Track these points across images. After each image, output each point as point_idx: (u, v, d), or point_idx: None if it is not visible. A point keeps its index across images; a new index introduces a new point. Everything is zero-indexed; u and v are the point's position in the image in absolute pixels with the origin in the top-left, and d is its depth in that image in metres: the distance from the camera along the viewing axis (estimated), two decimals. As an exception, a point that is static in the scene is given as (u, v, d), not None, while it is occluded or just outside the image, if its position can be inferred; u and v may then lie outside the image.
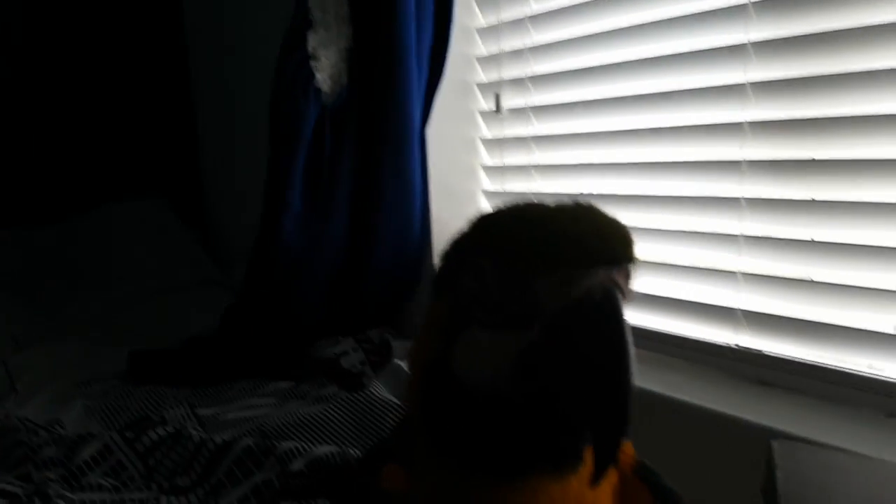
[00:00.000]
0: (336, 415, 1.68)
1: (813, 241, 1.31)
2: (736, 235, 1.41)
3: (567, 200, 0.58)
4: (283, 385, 1.95)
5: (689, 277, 1.50)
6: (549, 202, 0.58)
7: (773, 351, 1.38)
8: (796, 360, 1.34)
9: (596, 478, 0.54)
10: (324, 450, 1.46)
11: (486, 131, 2.10)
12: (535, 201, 0.59)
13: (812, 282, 1.32)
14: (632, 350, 0.51)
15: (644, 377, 1.44)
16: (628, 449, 0.67)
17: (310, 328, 2.14)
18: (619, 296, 0.53)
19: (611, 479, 0.64)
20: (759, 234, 1.38)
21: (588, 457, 0.59)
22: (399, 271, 2.12)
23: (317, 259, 2.07)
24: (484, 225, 0.60)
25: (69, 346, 2.35)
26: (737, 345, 1.42)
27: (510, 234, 0.56)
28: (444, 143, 2.08)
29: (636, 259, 0.56)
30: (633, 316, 1.54)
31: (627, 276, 0.56)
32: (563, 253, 0.53)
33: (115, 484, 1.45)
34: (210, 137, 3.44)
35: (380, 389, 1.79)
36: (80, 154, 3.26)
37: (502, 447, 0.57)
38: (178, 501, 1.33)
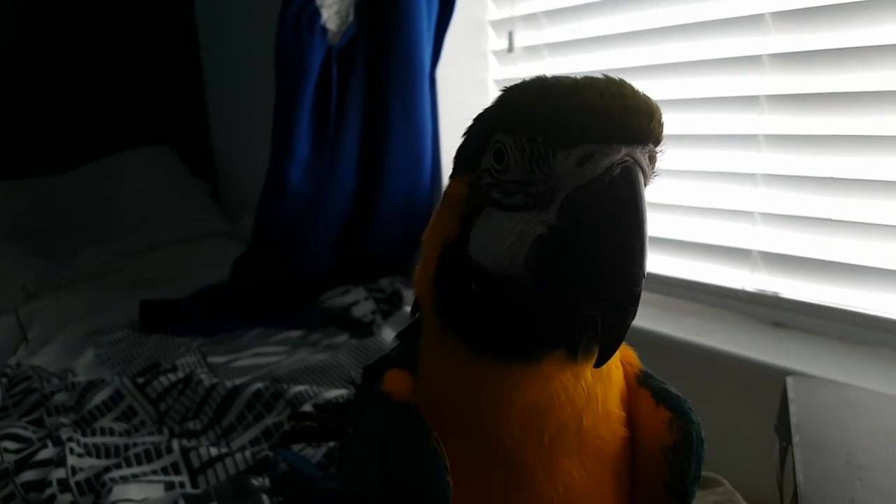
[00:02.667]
0: (345, 360, 1.68)
1: (833, 178, 1.27)
2: (753, 174, 1.37)
3: (598, 75, 0.54)
4: (293, 334, 1.96)
5: (705, 218, 1.47)
6: (579, 77, 0.55)
7: (789, 293, 1.35)
8: (813, 301, 1.31)
9: (601, 359, 0.53)
10: (333, 393, 1.46)
11: (499, 71, 2.04)
12: (564, 75, 0.55)
13: (830, 220, 1.28)
14: (647, 231, 0.50)
15: (659, 321, 1.44)
16: (633, 360, 0.66)
17: (319, 277, 2.13)
18: (640, 175, 0.51)
19: (619, 383, 0.63)
20: (778, 172, 1.34)
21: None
22: (409, 218, 2.10)
23: (325, 206, 2.06)
24: (507, 99, 0.57)
25: (80, 296, 2.37)
26: (752, 287, 1.39)
27: (532, 108, 0.53)
28: (454, 85, 2.04)
29: (662, 139, 0.53)
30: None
31: (652, 158, 0.53)
32: (584, 127, 0.50)
33: (127, 428, 1.47)
34: (217, 84, 3.41)
35: (389, 336, 1.79)
36: (87, 103, 3.25)
37: (515, 329, 0.55)
38: (190, 444, 1.34)
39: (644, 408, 0.64)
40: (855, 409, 0.95)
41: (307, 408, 1.40)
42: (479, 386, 0.57)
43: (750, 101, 1.36)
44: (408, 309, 1.87)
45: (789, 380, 1.01)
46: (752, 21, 1.34)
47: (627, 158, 0.50)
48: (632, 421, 0.63)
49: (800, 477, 0.80)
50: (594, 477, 0.60)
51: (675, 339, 1.36)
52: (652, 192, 0.53)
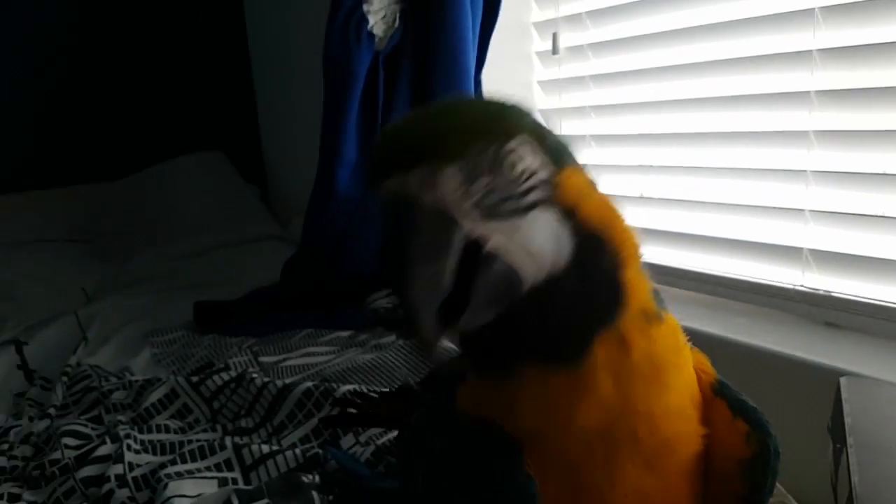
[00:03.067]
0: (393, 360, 1.70)
1: (886, 174, 1.24)
2: (804, 170, 1.34)
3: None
4: (342, 334, 1.98)
5: (755, 216, 1.45)
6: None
7: (842, 291, 1.32)
8: (866, 300, 1.28)
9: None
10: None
11: (543, 73, 2.04)
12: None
13: (885, 217, 1.25)
14: (413, 251, 0.51)
15: (709, 320, 1.42)
16: (708, 368, 0.65)
17: (367, 279, 2.15)
18: (407, 203, 0.52)
19: (688, 386, 0.61)
20: (829, 168, 1.31)
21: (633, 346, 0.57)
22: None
23: (372, 209, 2.07)
24: None
25: (137, 298, 2.43)
26: (803, 286, 1.37)
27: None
28: (500, 88, 2.04)
29: (448, 150, 0.52)
30: (690, 259, 1.52)
31: (462, 174, 0.52)
32: (366, 171, 0.56)
33: (182, 426, 1.50)
34: (267, 90, 3.47)
35: (436, 336, 1.79)
36: (143, 111, 3.34)
37: (483, 345, 0.57)
38: (242, 441, 1.37)
39: (720, 419, 0.63)
40: (911, 410, 0.93)
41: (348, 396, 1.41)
42: (502, 405, 0.58)
43: (800, 96, 1.34)
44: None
45: (843, 380, 0.99)
46: (802, 16, 1.32)
47: (391, 191, 0.53)
48: (709, 432, 0.63)
49: (855, 479, 0.79)
50: (668, 480, 0.60)
51: (726, 339, 1.34)
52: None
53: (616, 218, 0.59)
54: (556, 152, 0.58)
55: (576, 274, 0.54)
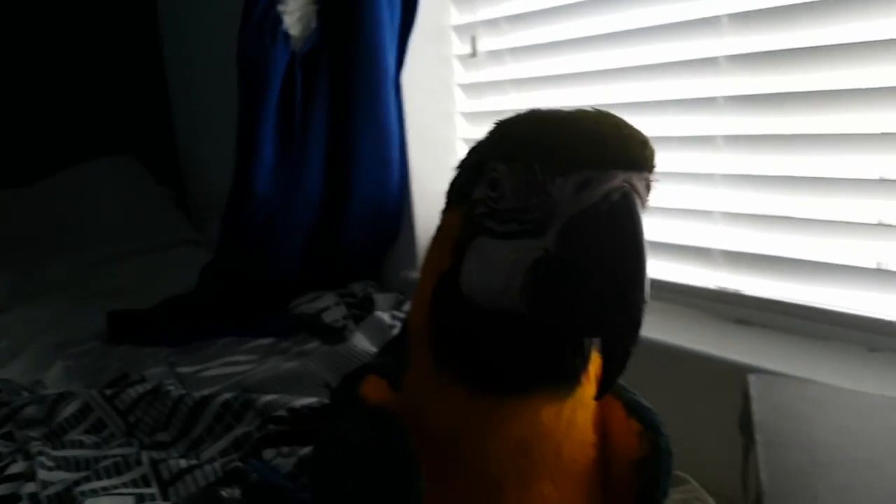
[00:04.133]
0: (316, 367, 1.67)
1: (791, 176, 1.29)
2: (713, 174, 1.39)
3: (587, 107, 0.55)
4: (263, 342, 1.94)
5: (666, 218, 1.49)
6: (570, 109, 0.56)
7: (752, 290, 1.37)
8: (775, 298, 1.33)
9: (603, 390, 0.54)
10: (305, 401, 1.45)
11: (463, 76, 2.05)
12: (557, 108, 0.57)
13: (790, 218, 1.30)
14: (647, 256, 0.50)
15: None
16: None
17: (289, 283, 2.12)
18: (638, 201, 0.51)
19: (591, 405, 0.63)
20: (736, 172, 1.36)
21: (586, 381, 0.59)
22: (378, 222, 2.10)
23: (292, 212, 2.05)
24: (501, 129, 0.58)
25: (48, 308, 2.34)
26: (714, 285, 1.42)
27: (528, 136, 0.54)
28: (419, 90, 2.04)
29: (655, 168, 0.54)
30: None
31: (647, 185, 0.54)
32: (582, 153, 0.51)
33: (97, 441, 1.45)
34: (181, 91, 3.37)
35: (361, 342, 1.78)
36: (51, 113, 3.19)
37: (508, 364, 0.56)
38: (160, 456, 1.33)
39: (616, 420, 0.65)
40: (817, 406, 0.96)
41: (281, 413, 1.39)
42: (467, 417, 0.58)
43: (708, 102, 1.38)
44: (379, 314, 1.88)
45: (751, 377, 1.02)
46: (709, 23, 1.36)
47: (625, 184, 0.51)
48: (604, 432, 0.64)
49: (763, 475, 0.82)
50: (567, 496, 0.61)
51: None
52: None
53: None
54: None
55: None
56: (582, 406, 0.60)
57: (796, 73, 1.27)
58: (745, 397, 0.99)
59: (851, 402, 0.98)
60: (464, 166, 0.61)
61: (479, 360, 0.56)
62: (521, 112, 0.58)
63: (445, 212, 0.62)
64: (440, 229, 0.62)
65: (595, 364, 0.60)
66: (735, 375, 1.13)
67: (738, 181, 1.36)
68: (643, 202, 0.53)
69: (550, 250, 0.52)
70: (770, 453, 0.85)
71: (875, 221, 1.22)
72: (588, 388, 0.60)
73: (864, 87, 1.19)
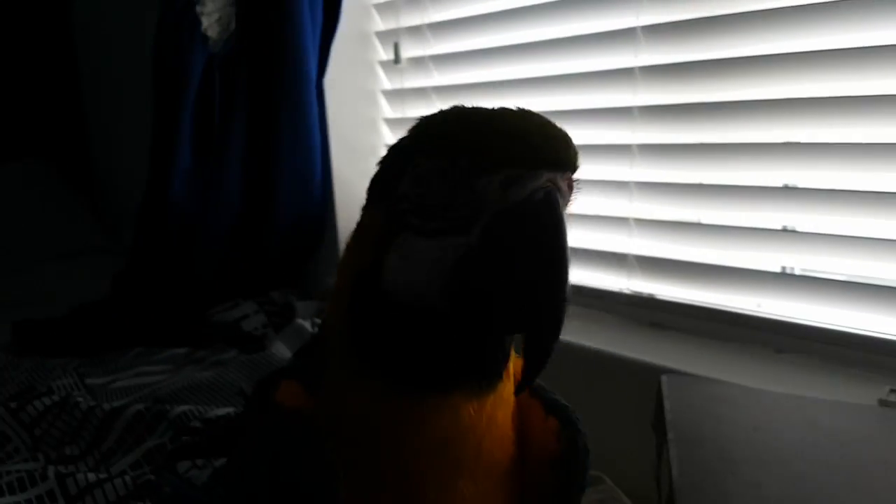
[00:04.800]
0: (233, 377, 1.63)
1: (701, 185, 1.34)
2: (628, 182, 1.43)
3: (511, 106, 0.55)
4: (178, 351, 1.88)
5: (583, 225, 1.52)
6: (494, 107, 0.56)
7: (665, 294, 1.41)
8: (687, 302, 1.38)
9: (522, 386, 0.54)
10: (220, 412, 1.42)
11: (387, 83, 2.05)
12: (476, 105, 0.56)
13: (701, 224, 1.35)
14: (569, 254, 0.51)
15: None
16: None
17: (206, 291, 2.06)
18: (561, 201, 0.52)
19: (510, 402, 0.63)
20: (650, 180, 1.40)
21: (506, 378, 0.59)
22: (300, 229, 2.07)
23: (210, 219, 1.99)
24: (426, 125, 0.57)
25: (-53, 318, 2.19)
26: (629, 289, 1.45)
27: (454, 132, 0.54)
28: (342, 96, 2.03)
29: (578, 167, 0.55)
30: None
31: (570, 186, 0.55)
32: (509, 150, 0.51)
33: (-1, 456, 1.38)
34: (95, 93, 3.25)
35: (281, 350, 1.75)
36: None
37: (428, 362, 0.55)
38: (67, 470, 1.27)
39: (534, 419, 0.65)
40: (726, 405, 0.99)
41: (195, 425, 1.35)
42: (388, 416, 0.57)
43: (624, 112, 1.42)
44: (300, 322, 1.85)
45: (664, 378, 1.05)
46: (626, 35, 1.40)
47: (549, 184, 0.51)
48: (522, 431, 0.64)
49: (675, 471, 0.84)
50: (487, 494, 0.61)
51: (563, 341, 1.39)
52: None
53: None
54: None
55: None
56: (502, 402, 0.60)
57: (707, 86, 1.32)
58: (658, 397, 1.01)
59: (760, 401, 1.01)
60: (386, 162, 0.60)
61: (400, 357, 0.56)
62: (446, 108, 0.57)
63: (366, 209, 0.62)
64: (359, 227, 0.61)
65: (514, 361, 0.61)
66: (649, 376, 1.16)
67: (652, 189, 1.40)
68: (566, 201, 0.54)
69: (474, 247, 0.52)
70: (682, 450, 0.87)
71: (780, 227, 1.27)
72: (507, 384, 0.60)
73: (769, 98, 1.24)
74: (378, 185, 0.60)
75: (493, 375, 0.57)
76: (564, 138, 0.54)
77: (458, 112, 0.56)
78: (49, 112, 3.22)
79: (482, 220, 0.52)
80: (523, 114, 0.54)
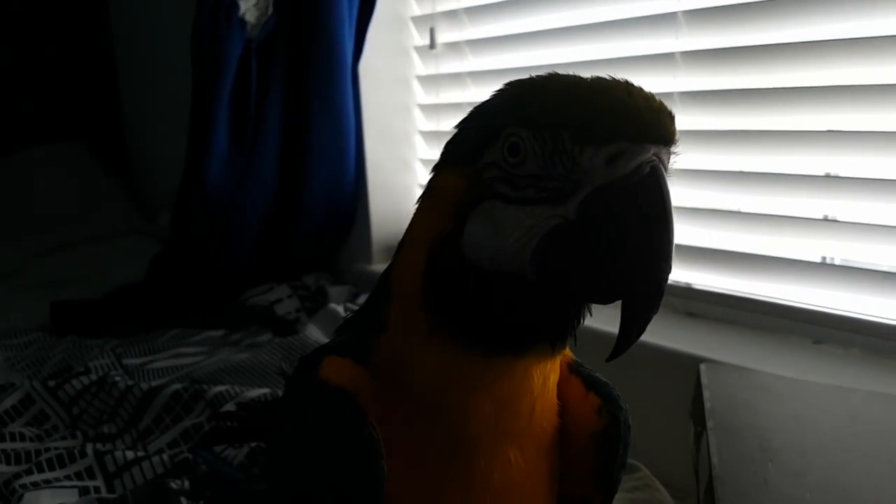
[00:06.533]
0: (267, 359, 1.65)
1: (741, 172, 1.32)
2: (667, 169, 1.41)
3: (606, 76, 0.55)
4: (214, 333, 1.91)
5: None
6: (590, 76, 0.54)
7: (702, 283, 1.39)
8: (724, 291, 1.36)
9: (617, 352, 0.55)
10: (255, 392, 1.43)
11: (421, 68, 2.05)
12: (574, 75, 0.55)
13: (740, 213, 1.33)
14: (674, 229, 0.51)
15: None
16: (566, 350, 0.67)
17: (241, 275, 2.09)
18: (665, 175, 0.52)
19: (556, 372, 0.63)
20: (689, 167, 1.39)
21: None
22: (333, 214, 2.08)
23: (245, 202, 2.01)
24: (522, 94, 0.56)
25: (-12, 298, 2.25)
26: (667, 278, 1.44)
27: (557, 104, 0.53)
28: (377, 81, 2.03)
29: (678, 142, 0.54)
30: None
31: (670, 159, 0.54)
32: (616, 124, 0.51)
33: (38, 433, 1.41)
34: (132, 77, 3.29)
35: (314, 333, 1.76)
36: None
37: (508, 325, 0.55)
38: (105, 448, 1.29)
39: (575, 395, 0.65)
40: (765, 394, 0.99)
41: (230, 407, 1.37)
42: (453, 377, 0.57)
43: (664, 97, 1.40)
44: (333, 306, 1.86)
45: (702, 367, 1.05)
46: (666, 19, 1.38)
47: (654, 158, 0.51)
48: (563, 408, 0.64)
49: (714, 460, 0.83)
50: (531, 463, 0.61)
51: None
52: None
53: None
54: None
55: None
56: (554, 370, 0.61)
57: (748, 71, 1.30)
58: (697, 385, 1.01)
59: (798, 391, 1.00)
60: (469, 127, 0.60)
61: (479, 320, 0.56)
62: (541, 76, 0.56)
63: (439, 173, 0.61)
64: (433, 191, 0.61)
65: None
66: (686, 366, 1.15)
67: (690, 176, 1.39)
68: (669, 174, 0.53)
69: (570, 218, 0.52)
70: (721, 439, 0.87)
71: (821, 217, 1.25)
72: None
73: (811, 85, 1.22)
74: (458, 149, 0.60)
75: (565, 340, 0.58)
76: (668, 112, 0.53)
77: (558, 82, 0.55)
78: (87, 96, 3.29)
79: (581, 193, 0.52)
80: (628, 87, 0.53)
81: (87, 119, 3.28)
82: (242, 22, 1.86)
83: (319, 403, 0.60)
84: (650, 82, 1.40)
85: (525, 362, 0.57)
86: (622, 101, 0.51)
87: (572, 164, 0.52)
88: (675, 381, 1.17)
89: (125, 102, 3.36)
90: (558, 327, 0.56)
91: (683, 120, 1.37)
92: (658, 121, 0.52)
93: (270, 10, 1.89)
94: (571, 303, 0.56)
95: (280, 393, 1.42)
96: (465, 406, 0.57)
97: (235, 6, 1.84)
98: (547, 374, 0.60)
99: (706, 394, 0.96)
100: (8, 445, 1.33)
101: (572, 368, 0.66)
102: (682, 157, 1.32)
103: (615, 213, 0.50)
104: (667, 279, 0.51)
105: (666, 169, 0.52)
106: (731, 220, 1.35)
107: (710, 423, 0.90)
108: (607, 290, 0.53)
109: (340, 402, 0.59)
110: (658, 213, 0.50)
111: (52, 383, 1.53)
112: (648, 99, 0.52)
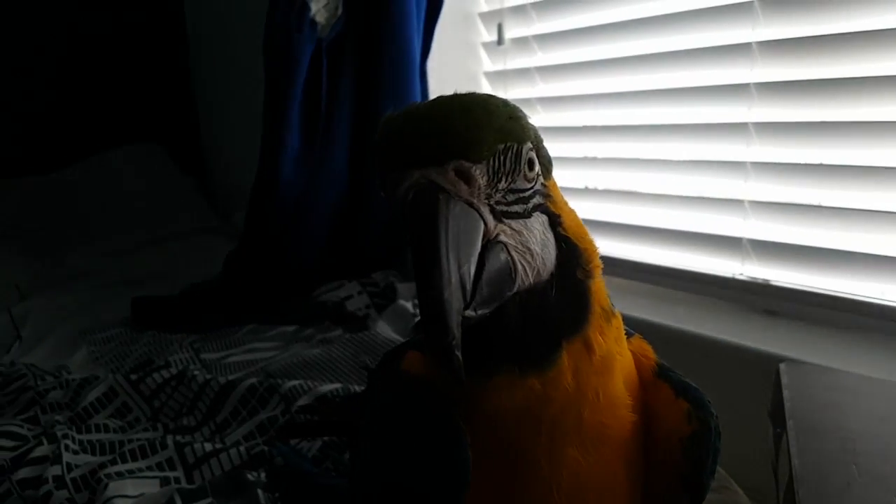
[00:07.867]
0: (340, 354, 1.68)
1: (822, 165, 1.28)
2: (744, 162, 1.37)
3: (445, 95, 0.56)
4: (287, 329, 1.95)
5: (696, 207, 1.47)
6: (431, 99, 0.57)
7: (780, 280, 1.35)
8: (805, 288, 1.32)
9: (453, 379, 0.53)
10: (328, 387, 1.46)
11: (489, 64, 2.04)
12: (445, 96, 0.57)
13: (821, 207, 1.28)
14: (445, 251, 0.49)
15: (652, 310, 1.44)
16: (650, 353, 0.66)
17: (313, 271, 2.13)
18: (439, 194, 0.51)
19: (626, 372, 0.63)
20: (767, 160, 1.35)
21: (616, 350, 0.60)
22: (402, 212, 2.09)
23: (317, 200, 2.05)
24: None
25: (72, 295, 2.36)
26: (743, 275, 1.40)
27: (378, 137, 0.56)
28: (445, 78, 2.04)
29: (477, 152, 0.53)
30: (633, 250, 1.55)
31: (462, 173, 0.53)
32: (385, 154, 0.54)
33: (121, 425, 1.46)
34: (205, 79, 3.39)
35: (384, 329, 1.78)
36: (74, 100, 3.22)
37: (471, 350, 0.54)
38: (185, 440, 1.34)
39: (663, 400, 0.64)
40: (848, 395, 0.95)
41: (305, 401, 1.39)
42: (479, 388, 0.57)
43: (740, 89, 1.37)
44: (402, 303, 1.88)
45: (782, 366, 1.02)
46: (742, 10, 1.35)
47: (422, 180, 0.51)
48: (649, 412, 0.64)
49: (795, 462, 0.81)
50: (603, 462, 0.61)
51: (668, 327, 1.36)
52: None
53: (583, 228, 0.62)
54: (548, 161, 0.61)
55: (557, 282, 0.57)
56: (598, 373, 0.60)
57: (829, 60, 1.26)
58: (777, 385, 0.98)
59: (882, 392, 0.97)
60: None
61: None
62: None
63: None
64: None
65: (638, 340, 0.64)
66: (764, 366, 1.12)
67: (769, 170, 1.35)
68: (458, 192, 0.52)
69: None
70: (802, 441, 0.84)
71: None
72: (620, 357, 0.61)
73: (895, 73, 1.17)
74: None
75: (536, 355, 0.56)
76: (441, 130, 0.53)
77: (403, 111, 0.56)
78: (161, 98, 3.39)
79: None
80: (418, 109, 0.55)
81: (164, 121, 3.39)
82: (313, 23, 1.90)
83: (408, 394, 0.61)
84: (726, 73, 1.37)
85: (501, 382, 0.56)
86: (394, 130, 0.54)
87: (391, 192, 0.54)
88: (754, 380, 1.14)
89: (200, 104, 3.46)
90: (513, 345, 0.56)
91: (761, 111, 1.33)
92: (417, 145, 0.52)
93: (340, 11, 1.92)
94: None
95: (352, 388, 1.44)
96: (497, 413, 0.57)
97: (307, 7, 1.88)
98: (580, 380, 0.58)
99: (786, 394, 0.94)
100: (93, 436, 1.38)
101: (658, 373, 0.65)
102: (760, 149, 1.28)
103: (407, 239, 0.52)
104: (435, 306, 0.48)
105: (446, 187, 0.51)
106: (812, 214, 1.30)
107: (790, 424, 0.87)
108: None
109: (429, 392, 0.59)
110: (419, 236, 0.50)
111: (134, 377, 1.58)
112: (419, 120, 0.53)
